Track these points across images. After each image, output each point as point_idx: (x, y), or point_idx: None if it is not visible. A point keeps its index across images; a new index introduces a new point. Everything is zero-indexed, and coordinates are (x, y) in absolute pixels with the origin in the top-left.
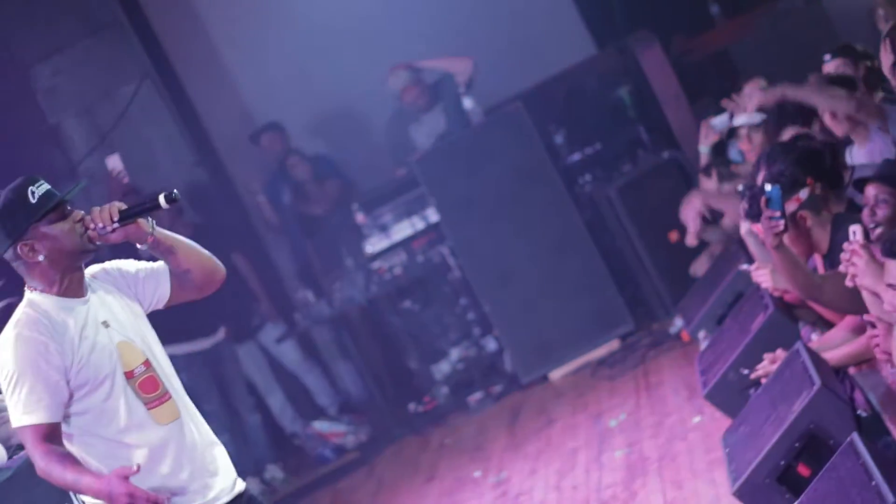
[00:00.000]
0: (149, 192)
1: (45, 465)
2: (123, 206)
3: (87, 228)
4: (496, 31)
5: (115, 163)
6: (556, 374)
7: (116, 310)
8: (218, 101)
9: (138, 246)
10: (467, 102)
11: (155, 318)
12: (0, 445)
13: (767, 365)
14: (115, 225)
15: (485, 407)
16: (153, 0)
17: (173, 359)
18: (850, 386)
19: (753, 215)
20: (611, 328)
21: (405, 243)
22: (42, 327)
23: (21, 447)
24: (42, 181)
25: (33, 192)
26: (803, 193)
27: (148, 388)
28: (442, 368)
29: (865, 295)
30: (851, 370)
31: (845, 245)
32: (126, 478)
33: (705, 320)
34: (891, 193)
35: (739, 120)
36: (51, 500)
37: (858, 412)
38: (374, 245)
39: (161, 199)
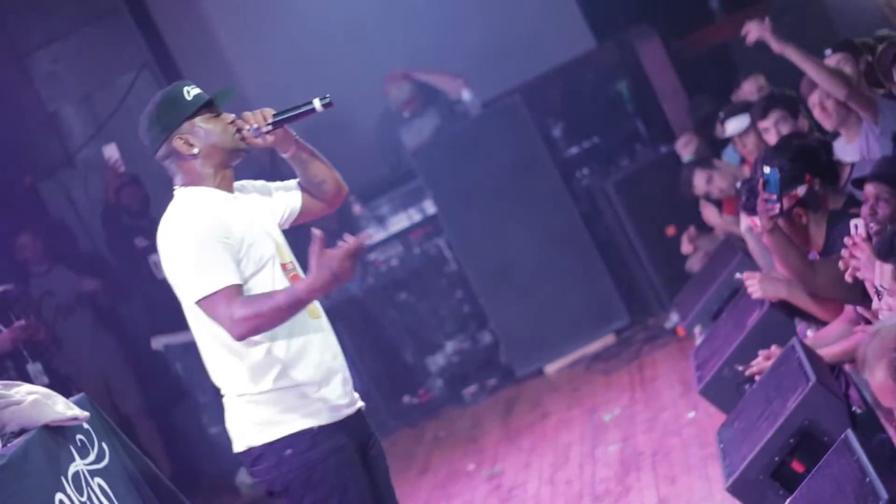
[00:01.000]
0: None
1: (249, 313)
2: (274, 111)
3: (238, 130)
4: (495, 24)
5: (111, 152)
6: (551, 368)
7: (260, 213)
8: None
9: (281, 154)
10: (466, 95)
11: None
12: None
13: (762, 361)
14: (269, 127)
15: (479, 400)
16: None
17: (169, 348)
18: (845, 382)
19: (751, 208)
20: (606, 322)
21: (402, 235)
22: (211, 210)
23: (16, 434)
24: (193, 84)
25: (188, 91)
26: (801, 190)
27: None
28: (437, 361)
29: (869, 287)
30: (847, 367)
31: (846, 240)
32: (321, 246)
33: (701, 316)
34: (891, 193)
35: (729, 131)
36: (45, 484)
37: (853, 409)
38: (370, 236)
39: (316, 102)
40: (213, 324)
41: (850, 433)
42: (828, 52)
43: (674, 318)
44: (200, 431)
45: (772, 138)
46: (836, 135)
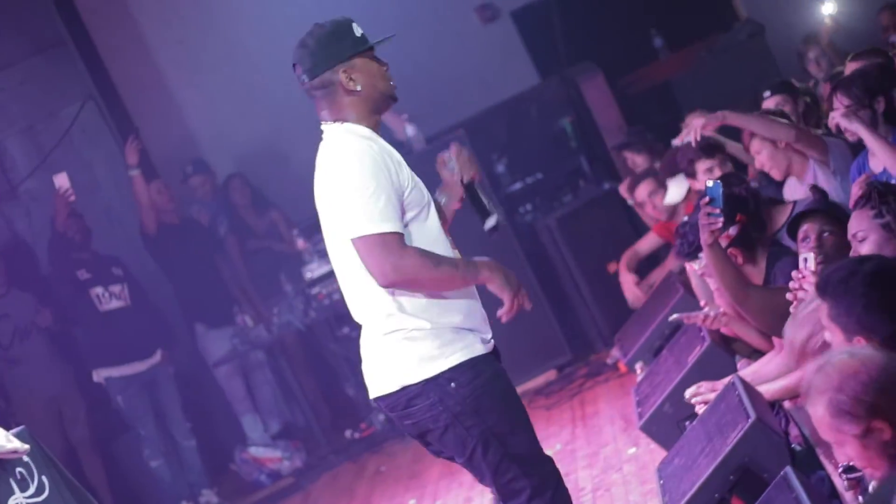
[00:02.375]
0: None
1: (407, 272)
2: (477, 182)
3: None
4: (441, 58)
5: (62, 181)
6: None
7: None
8: (160, 124)
9: (438, 195)
10: (409, 129)
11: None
12: None
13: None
14: (460, 182)
15: None
16: (99, 21)
17: (110, 381)
18: (784, 420)
19: (686, 254)
20: (548, 358)
21: None
22: (378, 147)
23: None
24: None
25: (357, 28)
26: (733, 230)
27: (447, 231)
28: None
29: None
30: (786, 404)
31: (794, 273)
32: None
33: (642, 352)
34: (832, 225)
35: (670, 198)
36: None
37: (793, 446)
38: (313, 271)
39: (492, 219)
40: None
41: (789, 470)
42: (766, 93)
43: (615, 354)
44: (141, 465)
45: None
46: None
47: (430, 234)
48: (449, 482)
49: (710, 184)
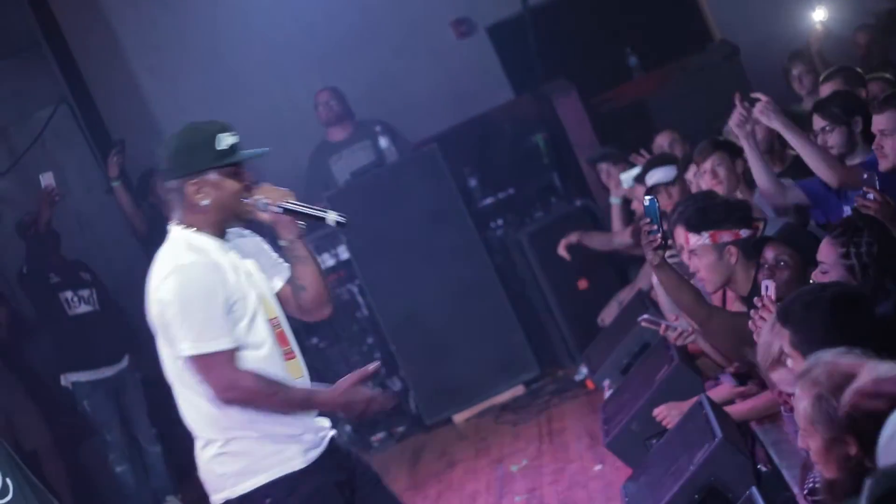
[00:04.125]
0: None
1: (249, 388)
2: (294, 200)
3: (251, 195)
4: (415, 72)
5: (48, 180)
6: (459, 417)
7: (252, 268)
8: (134, 128)
9: (280, 240)
10: (382, 142)
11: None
12: None
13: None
14: (278, 209)
15: (387, 447)
16: (73, 25)
17: (77, 386)
18: (751, 440)
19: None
20: (516, 373)
21: None
22: (206, 260)
23: None
24: (234, 131)
25: (222, 139)
26: (744, 232)
27: (283, 341)
28: None
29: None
30: (753, 425)
31: (756, 300)
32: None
33: (610, 369)
34: (791, 255)
35: (654, 178)
36: None
37: (759, 467)
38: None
39: (332, 214)
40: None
41: (754, 490)
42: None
43: (583, 370)
44: (107, 470)
45: (707, 181)
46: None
47: (258, 346)
48: (414, 494)
49: (646, 202)
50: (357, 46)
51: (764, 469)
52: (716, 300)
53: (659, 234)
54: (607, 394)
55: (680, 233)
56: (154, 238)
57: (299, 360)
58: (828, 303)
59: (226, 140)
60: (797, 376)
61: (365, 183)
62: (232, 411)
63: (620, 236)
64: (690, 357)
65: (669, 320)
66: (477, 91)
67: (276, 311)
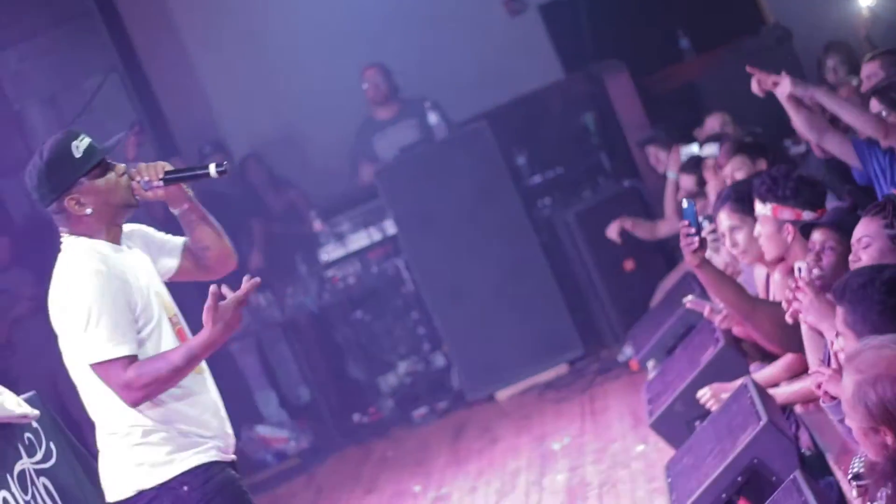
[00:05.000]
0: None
1: (148, 380)
2: (170, 167)
3: (131, 180)
4: (466, 50)
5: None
6: (502, 394)
7: (147, 265)
8: (183, 99)
9: (172, 209)
10: (432, 118)
11: None
12: None
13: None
14: (160, 182)
15: (429, 422)
16: None
17: None
18: (795, 424)
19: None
20: (560, 352)
21: (361, 254)
22: (106, 266)
23: None
24: (83, 134)
25: (77, 147)
26: (807, 215)
27: (182, 338)
28: (389, 381)
29: (805, 332)
30: (798, 409)
31: (789, 282)
32: (216, 301)
33: (655, 350)
34: (839, 241)
35: (708, 150)
36: None
37: (802, 451)
38: (329, 253)
39: (212, 167)
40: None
41: (798, 474)
42: None
43: (627, 351)
44: None
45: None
46: None
47: (167, 348)
48: (455, 471)
49: (684, 204)
50: (407, 22)
51: (808, 453)
52: (760, 286)
53: (697, 238)
54: (651, 374)
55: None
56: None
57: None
58: (884, 284)
59: (80, 146)
60: (846, 358)
61: (413, 159)
62: (144, 409)
63: (667, 226)
64: (736, 339)
65: (714, 302)
66: (527, 69)
67: (174, 308)
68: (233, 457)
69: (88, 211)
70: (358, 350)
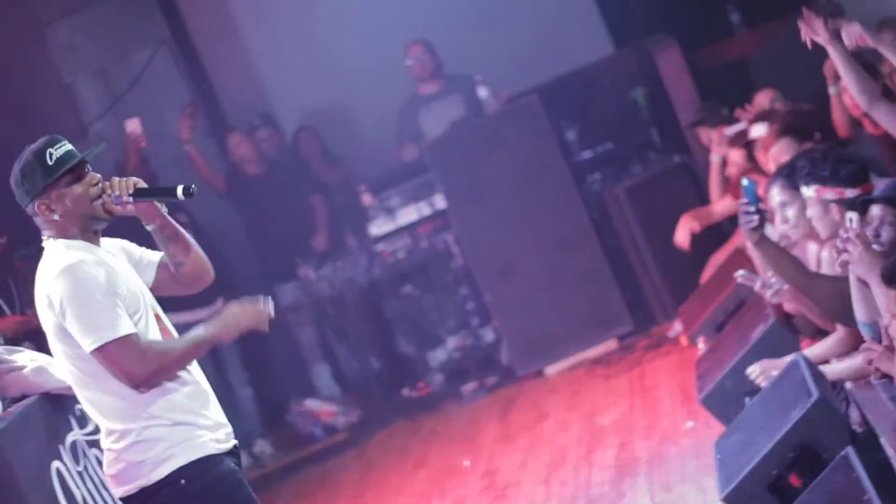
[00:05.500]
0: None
1: (157, 357)
2: (143, 184)
3: (103, 192)
4: (516, 24)
5: (134, 126)
6: (551, 370)
7: (128, 270)
8: (232, 73)
9: (145, 226)
10: (482, 92)
11: None
12: None
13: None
14: (130, 198)
15: (478, 397)
16: None
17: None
18: (846, 402)
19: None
20: (610, 328)
21: (410, 228)
22: (91, 256)
23: (16, 400)
24: (64, 142)
25: (51, 154)
26: (850, 192)
27: (166, 335)
28: (438, 356)
29: (854, 283)
30: (849, 385)
31: (841, 231)
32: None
33: (705, 327)
34: (891, 214)
35: (757, 131)
36: (43, 451)
37: (853, 428)
38: (379, 227)
39: (179, 190)
40: (89, 364)
41: (850, 450)
42: None
43: (677, 327)
44: None
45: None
46: None
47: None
48: (504, 445)
49: (744, 182)
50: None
51: (858, 430)
52: (812, 262)
53: (756, 217)
54: (701, 351)
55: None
56: (235, 196)
57: None
58: None
59: (56, 153)
60: None
61: (464, 133)
62: (140, 400)
63: (720, 207)
64: (786, 315)
65: (765, 277)
66: (578, 44)
67: (160, 310)
68: (231, 444)
69: (56, 217)
70: (407, 324)
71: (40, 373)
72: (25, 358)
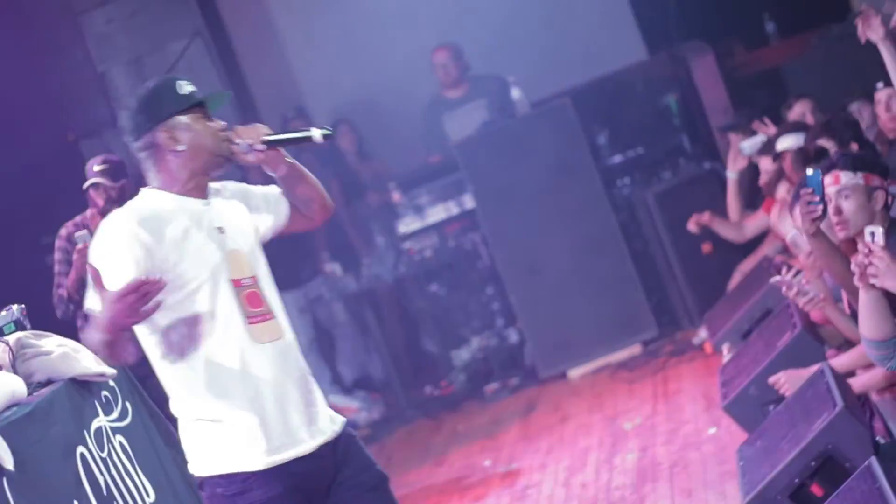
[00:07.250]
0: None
1: (90, 342)
2: (270, 132)
3: (228, 139)
4: (549, 27)
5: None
6: (575, 373)
7: (235, 221)
8: (266, 66)
9: (269, 172)
10: (514, 93)
11: None
12: (21, 381)
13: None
14: (262, 146)
15: (500, 398)
16: None
17: None
18: (870, 412)
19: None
20: (634, 332)
21: (438, 227)
22: (142, 220)
23: (42, 385)
24: (190, 82)
25: (182, 85)
26: (893, 188)
27: (253, 303)
28: (461, 355)
29: (867, 310)
30: (874, 397)
31: (861, 247)
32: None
33: (730, 334)
34: None
35: (784, 143)
36: (67, 436)
37: (877, 438)
38: (407, 225)
39: (315, 131)
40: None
41: (874, 460)
42: (879, 84)
43: (702, 334)
44: None
45: None
46: None
47: (212, 313)
48: (525, 446)
49: (809, 172)
50: (494, 1)
51: (882, 441)
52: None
53: (820, 206)
54: (726, 358)
55: (830, 175)
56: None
57: (276, 321)
58: None
59: (186, 87)
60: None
61: (494, 134)
62: (206, 388)
63: (752, 224)
64: (813, 325)
65: (801, 284)
66: (610, 48)
67: (251, 269)
68: (306, 449)
69: (180, 148)
70: (432, 323)
71: (66, 358)
72: (52, 343)
